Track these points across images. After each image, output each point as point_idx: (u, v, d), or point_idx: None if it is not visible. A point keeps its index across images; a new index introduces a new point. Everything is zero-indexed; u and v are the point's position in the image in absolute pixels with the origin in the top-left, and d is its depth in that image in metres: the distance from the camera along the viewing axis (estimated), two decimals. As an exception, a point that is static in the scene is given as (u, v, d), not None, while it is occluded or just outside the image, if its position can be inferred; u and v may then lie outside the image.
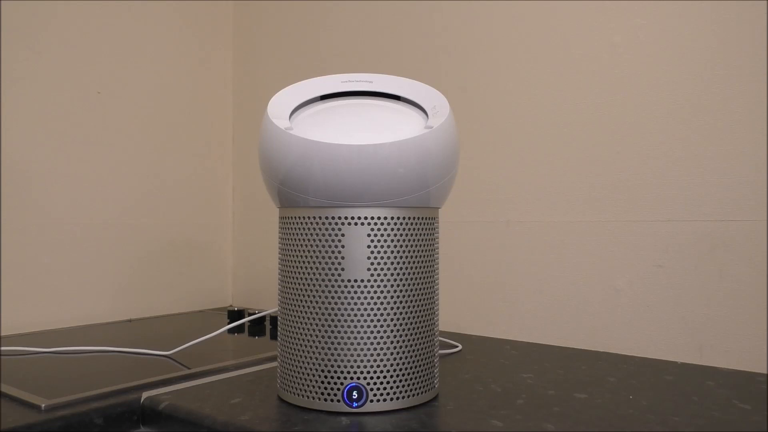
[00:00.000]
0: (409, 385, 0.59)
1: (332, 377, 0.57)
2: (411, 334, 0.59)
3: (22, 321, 1.03)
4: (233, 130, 1.37)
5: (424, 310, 0.60)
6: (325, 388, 0.57)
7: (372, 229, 0.57)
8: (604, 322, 0.87)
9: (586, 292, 0.89)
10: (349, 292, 0.57)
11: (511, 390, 0.65)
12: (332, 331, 0.57)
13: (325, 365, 0.57)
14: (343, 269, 0.57)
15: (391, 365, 0.58)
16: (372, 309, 0.57)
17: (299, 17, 1.25)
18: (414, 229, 0.59)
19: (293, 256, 0.59)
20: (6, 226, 1.01)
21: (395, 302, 0.58)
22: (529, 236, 0.94)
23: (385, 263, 0.57)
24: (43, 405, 0.59)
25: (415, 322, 0.59)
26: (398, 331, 0.58)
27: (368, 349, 0.57)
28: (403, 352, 0.58)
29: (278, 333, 0.62)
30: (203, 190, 1.31)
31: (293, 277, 0.59)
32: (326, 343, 0.57)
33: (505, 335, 0.96)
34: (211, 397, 0.62)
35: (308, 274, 0.58)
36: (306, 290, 0.58)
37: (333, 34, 1.19)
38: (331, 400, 0.57)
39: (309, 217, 0.58)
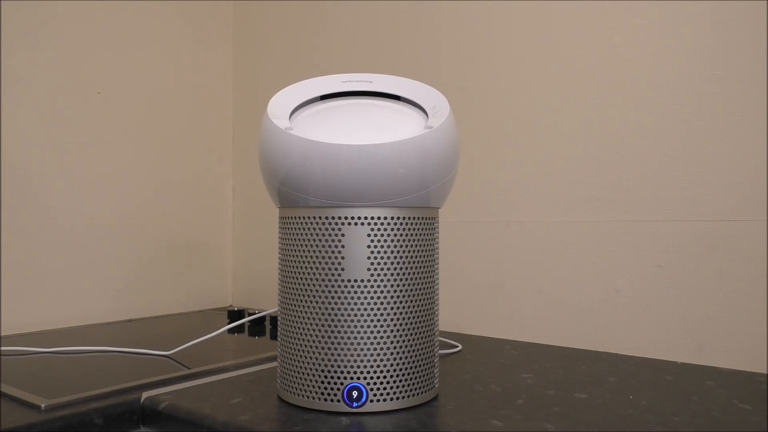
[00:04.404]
0: (409, 385, 0.59)
1: (332, 377, 0.57)
2: (411, 334, 0.59)
3: (22, 321, 1.03)
4: (233, 130, 1.37)
5: (424, 310, 0.60)
6: (325, 388, 0.57)
7: (372, 229, 0.57)
8: (604, 322, 0.87)
9: (586, 292, 0.89)
10: (349, 292, 0.57)
11: (511, 390, 0.65)
12: (332, 331, 0.57)
13: (325, 365, 0.57)
14: (343, 269, 0.57)
15: (391, 365, 0.58)
16: (372, 309, 0.57)
17: (299, 17, 1.25)
18: (414, 229, 0.59)
19: (293, 256, 0.59)
20: (6, 226, 1.01)
21: (395, 302, 0.58)
22: (529, 236, 0.94)
23: (385, 263, 0.57)
24: (43, 405, 0.59)
25: (415, 322, 0.59)
26: (398, 331, 0.58)
27: (368, 349, 0.57)
28: (403, 352, 0.58)
29: (278, 333, 0.62)
30: (203, 190, 1.31)
31: (293, 277, 0.59)
32: (326, 343, 0.57)
33: (505, 335, 0.96)
34: (211, 397, 0.62)
35: (308, 274, 0.58)
36: (306, 290, 0.58)
37: (333, 34, 1.19)
38: (331, 400, 0.57)
39: (309, 217, 0.58)
